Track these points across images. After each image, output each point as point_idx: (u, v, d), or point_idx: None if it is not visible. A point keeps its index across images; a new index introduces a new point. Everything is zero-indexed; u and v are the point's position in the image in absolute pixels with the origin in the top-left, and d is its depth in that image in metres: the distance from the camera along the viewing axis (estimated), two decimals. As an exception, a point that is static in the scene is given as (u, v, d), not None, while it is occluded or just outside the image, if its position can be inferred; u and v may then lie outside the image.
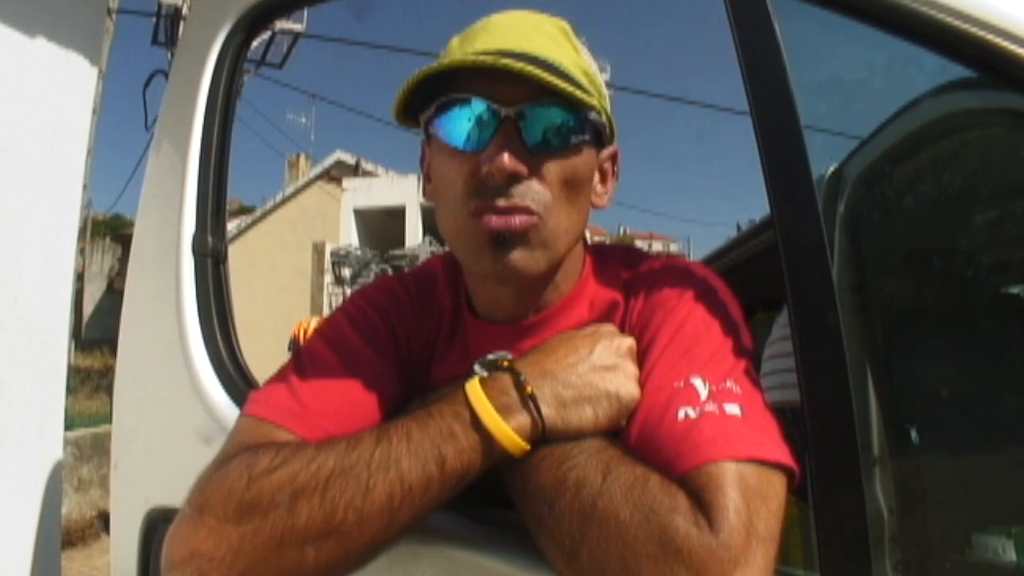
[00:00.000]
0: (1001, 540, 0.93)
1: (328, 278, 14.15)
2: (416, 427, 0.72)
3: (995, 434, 1.00)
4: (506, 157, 0.77)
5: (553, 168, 0.80)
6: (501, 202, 0.78)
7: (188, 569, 0.70)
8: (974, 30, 0.79)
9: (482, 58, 0.76)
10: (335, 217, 15.11)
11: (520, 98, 0.78)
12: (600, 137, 0.87)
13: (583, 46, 0.88)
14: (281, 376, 0.86)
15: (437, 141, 0.83)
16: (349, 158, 16.34)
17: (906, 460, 0.96)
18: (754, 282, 1.60)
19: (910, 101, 1.05)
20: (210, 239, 1.12)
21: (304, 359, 0.87)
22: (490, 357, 0.78)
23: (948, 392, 1.05)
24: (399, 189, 15.37)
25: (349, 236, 15.05)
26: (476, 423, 0.71)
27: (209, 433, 1.03)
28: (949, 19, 0.80)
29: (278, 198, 15.91)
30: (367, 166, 16.54)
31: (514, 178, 0.78)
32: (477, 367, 0.78)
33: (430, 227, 14.95)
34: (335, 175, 15.73)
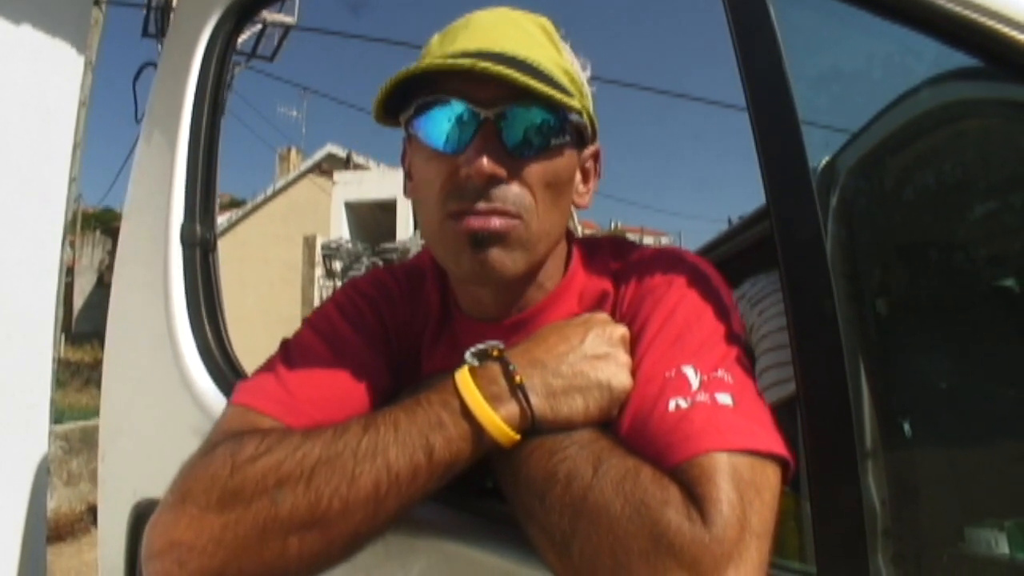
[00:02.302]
0: (994, 533, 0.93)
1: (319, 271, 14.10)
2: (404, 416, 0.71)
3: (988, 427, 1.00)
4: (485, 160, 0.76)
5: (533, 171, 0.80)
6: (480, 205, 0.78)
7: (168, 559, 0.68)
8: (976, 17, 0.78)
9: (460, 61, 0.75)
10: (326, 210, 15.05)
11: (500, 99, 0.77)
12: (581, 137, 0.86)
13: (565, 45, 0.87)
14: (269, 366, 0.86)
15: (417, 141, 0.83)
16: (340, 151, 16.28)
17: (898, 453, 0.95)
18: (747, 275, 1.60)
19: (903, 92, 1.05)
20: (199, 228, 1.10)
21: (293, 349, 0.87)
22: (481, 346, 0.78)
23: (941, 384, 1.05)
24: (390, 182, 15.29)
25: (340, 229, 15.00)
26: (465, 412, 0.70)
27: (199, 425, 1.02)
28: (951, 5, 0.79)
29: (269, 191, 15.85)
30: (358, 159, 16.48)
31: (493, 181, 0.78)
32: (468, 356, 0.77)
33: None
34: (326, 168, 15.67)
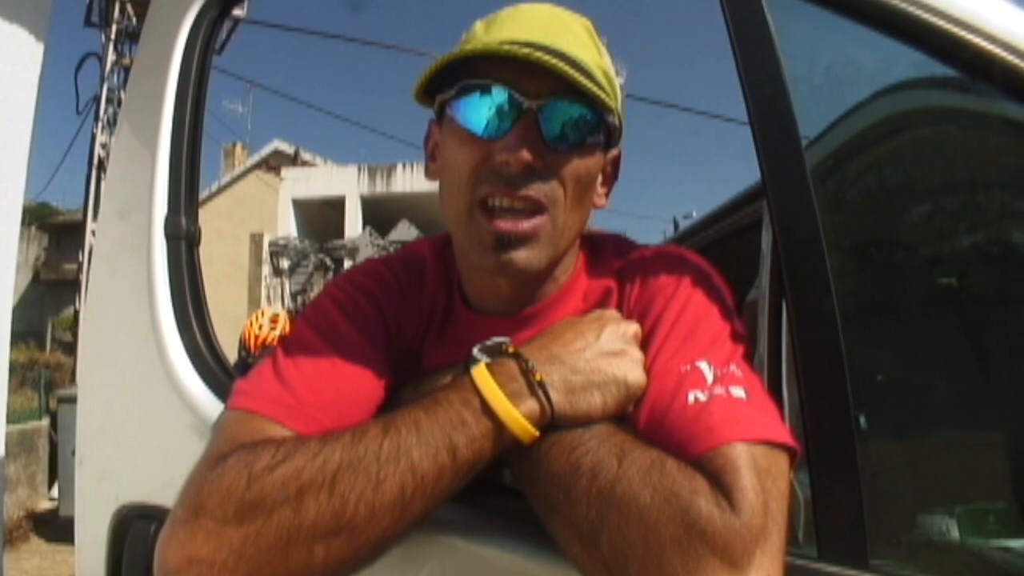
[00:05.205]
0: (945, 520, 0.98)
1: (266, 269, 13.85)
2: (424, 416, 0.70)
3: (940, 418, 1.06)
4: (525, 149, 0.77)
5: (566, 166, 0.81)
6: (513, 191, 0.79)
7: None
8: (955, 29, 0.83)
9: (516, 48, 0.76)
10: (273, 207, 14.78)
11: (543, 92, 0.79)
12: (610, 139, 0.88)
13: (604, 48, 0.88)
14: (268, 365, 0.83)
15: (452, 123, 0.83)
16: (287, 147, 16.02)
17: (862, 443, 1.00)
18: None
19: (865, 98, 1.09)
20: (184, 221, 1.06)
21: (292, 347, 0.84)
22: (490, 343, 0.78)
23: (896, 377, 1.10)
24: (338, 179, 15.16)
25: (288, 227, 14.76)
26: (487, 410, 0.70)
27: (186, 425, 0.99)
28: (933, 19, 0.84)
29: (214, 187, 15.45)
30: (306, 156, 16.24)
31: (529, 171, 0.79)
32: (477, 352, 0.77)
33: (370, 218, 14.80)
34: (273, 164, 15.38)
